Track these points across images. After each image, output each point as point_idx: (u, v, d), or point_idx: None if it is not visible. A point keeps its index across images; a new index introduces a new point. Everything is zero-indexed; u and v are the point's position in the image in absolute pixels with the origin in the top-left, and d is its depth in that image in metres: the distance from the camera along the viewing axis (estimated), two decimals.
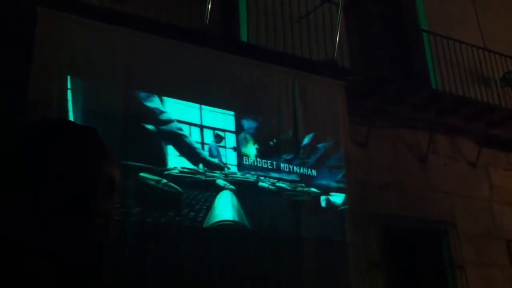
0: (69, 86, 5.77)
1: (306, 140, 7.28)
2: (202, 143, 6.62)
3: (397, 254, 7.91)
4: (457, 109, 8.92)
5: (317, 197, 7.13)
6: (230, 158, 6.82)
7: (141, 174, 5.96)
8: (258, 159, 6.93)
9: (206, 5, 6.73)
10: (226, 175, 6.65)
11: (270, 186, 6.89)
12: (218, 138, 6.78)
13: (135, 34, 6.29)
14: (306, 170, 7.21)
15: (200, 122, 6.67)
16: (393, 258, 7.78)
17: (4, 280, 0.94)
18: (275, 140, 7.11)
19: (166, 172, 6.16)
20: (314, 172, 7.26)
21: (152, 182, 6.00)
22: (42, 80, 5.55)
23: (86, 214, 1.02)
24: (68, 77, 5.78)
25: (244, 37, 7.67)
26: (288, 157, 7.14)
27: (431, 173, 8.76)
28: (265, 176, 6.89)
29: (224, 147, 6.83)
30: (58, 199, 1.00)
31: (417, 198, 8.32)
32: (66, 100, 5.67)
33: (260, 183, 6.84)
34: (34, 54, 5.53)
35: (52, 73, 5.66)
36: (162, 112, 6.36)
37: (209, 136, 6.72)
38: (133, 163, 5.92)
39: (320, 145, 7.41)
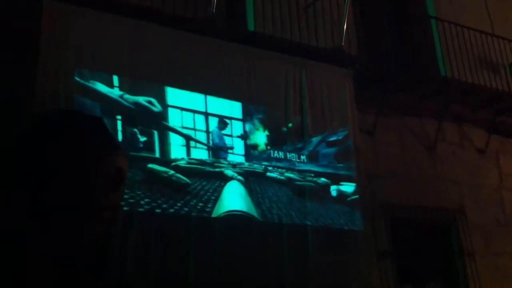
0: (75, 77, 5.76)
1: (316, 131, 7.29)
2: (207, 132, 6.60)
3: (406, 243, 7.88)
4: (465, 96, 8.86)
5: (326, 187, 7.12)
6: (237, 147, 6.81)
7: (149, 165, 5.97)
8: (269, 147, 6.92)
9: None
10: (234, 165, 6.64)
11: (279, 176, 6.88)
12: (223, 124, 6.74)
13: (141, 24, 6.26)
14: (314, 160, 7.19)
15: (205, 109, 6.65)
16: (401, 247, 7.75)
17: (4, 280, 0.92)
18: (290, 125, 7.09)
19: (173, 163, 6.15)
20: (322, 161, 7.24)
21: (161, 174, 6.01)
22: (48, 73, 5.54)
23: (86, 211, 0.99)
24: (75, 68, 5.77)
25: (250, 26, 7.62)
26: (296, 147, 7.12)
27: (439, 161, 8.71)
28: (273, 166, 6.88)
29: (231, 135, 6.80)
30: (57, 197, 0.97)
31: (425, 187, 8.28)
32: (73, 92, 5.66)
33: (269, 173, 6.83)
34: (40, 46, 5.52)
35: (58, 65, 5.65)
36: (165, 102, 6.36)
37: (214, 124, 6.70)
38: (141, 154, 5.92)
39: (327, 134, 7.39)
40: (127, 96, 6.05)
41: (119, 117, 6.01)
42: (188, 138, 6.43)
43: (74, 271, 1.00)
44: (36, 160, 0.98)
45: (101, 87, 5.92)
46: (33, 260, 0.96)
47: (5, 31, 5.60)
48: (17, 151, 1.00)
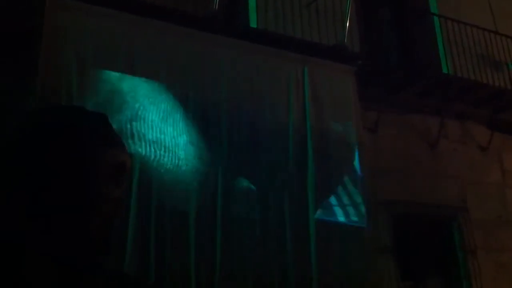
0: (77, 73, 5.75)
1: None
2: None
3: (408, 240, 7.89)
4: (467, 93, 8.85)
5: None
6: None
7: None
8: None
9: None
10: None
11: None
12: None
13: (143, 20, 6.25)
14: (317, 156, 7.16)
15: None
16: (403, 243, 7.76)
17: (4, 280, 0.93)
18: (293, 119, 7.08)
19: None
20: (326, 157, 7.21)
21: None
22: (50, 68, 5.54)
23: (86, 210, 0.99)
24: (76, 64, 5.76)
25: (253, 23, 7.61)
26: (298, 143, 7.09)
27: (441, 158, 8.70)
28: None
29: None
30: (58, 197, 0.98)
31: (427, 184, 8.28)
32: (74, 87, 5.65)
33: None
34: (42, 41, 5.51)
35: (60, 60, 5.64)
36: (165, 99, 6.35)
37: None
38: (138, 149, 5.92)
39: (331, 131, 7.36)
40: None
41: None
42: None
43: (74, 271, 1.00)
44: (36, 160, 0.98)
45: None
46: (33, 260, 0.96)
47: (6, 31, 5.60)
48: (17, 151, 1.00)
